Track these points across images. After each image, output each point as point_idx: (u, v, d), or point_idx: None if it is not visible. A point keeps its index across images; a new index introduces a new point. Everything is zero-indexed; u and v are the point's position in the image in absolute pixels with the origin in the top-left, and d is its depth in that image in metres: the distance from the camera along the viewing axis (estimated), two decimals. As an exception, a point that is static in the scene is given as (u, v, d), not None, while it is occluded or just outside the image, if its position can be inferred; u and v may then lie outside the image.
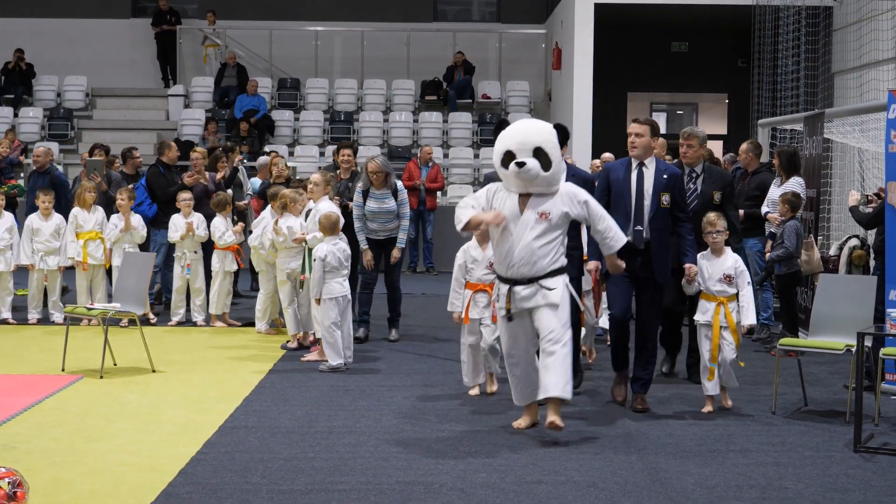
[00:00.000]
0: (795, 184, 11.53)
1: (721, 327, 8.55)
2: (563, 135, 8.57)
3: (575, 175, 8.70)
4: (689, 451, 7.37)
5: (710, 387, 8.59)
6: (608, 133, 20.99)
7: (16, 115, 23.08)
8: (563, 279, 7.62)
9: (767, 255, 11.06)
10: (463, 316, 8.98)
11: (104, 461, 6.90)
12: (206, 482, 6.50)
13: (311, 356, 10.54)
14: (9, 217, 12.83)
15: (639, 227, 8.42)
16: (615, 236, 7.78)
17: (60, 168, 19.29)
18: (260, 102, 22.45)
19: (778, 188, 11.57)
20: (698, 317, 8.68)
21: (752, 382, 9.64)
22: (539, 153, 7.45)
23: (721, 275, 8.55)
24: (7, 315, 12.70)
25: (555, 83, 23.22)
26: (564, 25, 21.41)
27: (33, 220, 12.65)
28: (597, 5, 19.61)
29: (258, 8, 24.71)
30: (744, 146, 12.41)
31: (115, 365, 10.20)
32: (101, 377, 9.66)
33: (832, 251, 12.30)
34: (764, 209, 11.61)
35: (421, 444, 7.44)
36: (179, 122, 22.89)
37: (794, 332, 10.95)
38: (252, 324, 12.41)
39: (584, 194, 7.72)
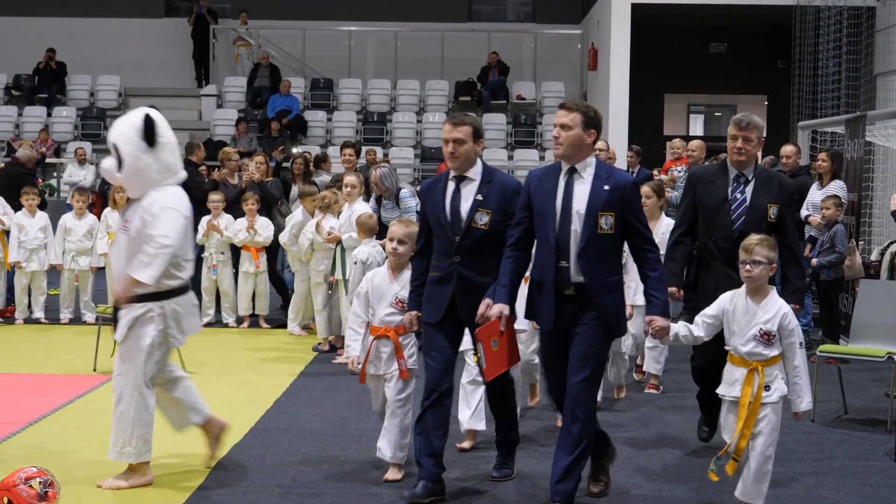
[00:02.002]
0: (837, 187, 11.38)
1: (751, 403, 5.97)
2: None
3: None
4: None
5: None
6: (644, 135, 20.81)
7: (49, 115, 23.14)
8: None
9: (814, 260, 10.85)
10: (360, 364, 6.76)
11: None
12: (237, 484, 6.49)
13: (342, 358, 10.43)
14: (42, 216, 12.82)
15: (563, 263, 5.90)
16: None
17: (93, 167, 19.39)
18: (293, 103, 22.40)
19: (819, 191, 11.42)
20: (723, 390, 6.10)
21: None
22: (114, 150, 6.35)
23: (757, 330, 5.92)
24: (40, 315, 12.72)
25: (590, 84, 23.08)
26: (601, 26, 21.29)
27: (67, 219, 12.66)
28: (634, 5, 19.48)
29: (291, 8, 24.66)
30: (792, 148, 12.25)
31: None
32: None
33: (874, 256, 12.10)
34: (804, 212, 11.47)
35: (453, 447, 7.30)
36: (212, 122, 22.89)
37: (835, 339, 10.78)
38: (285, 325, 12.34)
39: (159, 205, 6.23)
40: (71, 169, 19.45)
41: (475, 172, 6.29)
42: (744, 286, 6.00)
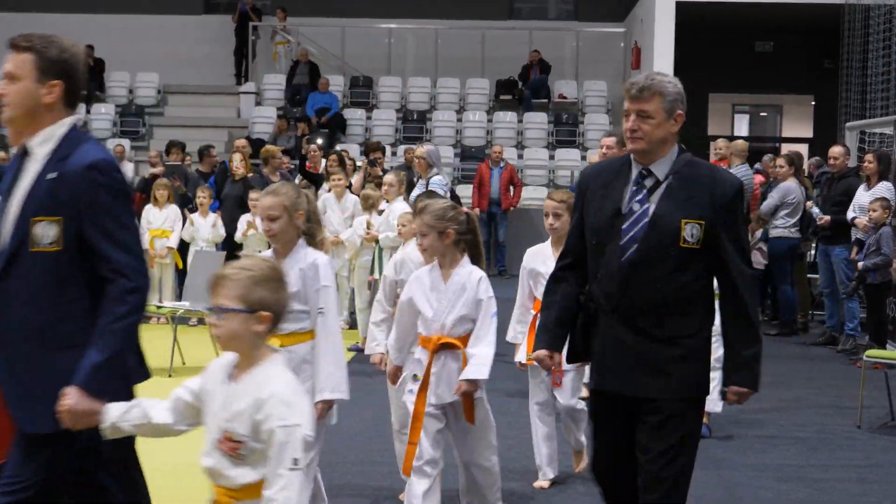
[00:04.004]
0: (885, 189, 11.21)
1: None
2: None
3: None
4: (768, 465, 7.16)
5: None
6: (688, 135, 20.54)
7: (88, 112, 23.17)
8: None
9: (860, 263, 10.66)
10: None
11: (169, 460, 6.73)
12: None
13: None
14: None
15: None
16: None
17: (131, 164, 19.37)
18: (332, 100, 22.31)
19: (866, 192, 11.25)
20: None
21: (836, 395, 9.40)
22: None
23: None
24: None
25: (633, 83, 22.80)
26: (644, 24, 21.09)
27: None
28: (678, 3, 19.29)
29: (330, 5, 24.56)
30: (840, 149, 12.04)
31: (183, 364, 10.23)
32: (170, 376, 9.67)
33: (923, 259, 11.89)
34: (850, 214, 11.31)
35: None
36: (250, 119, 22.84)
37: (882, 344, 10.60)
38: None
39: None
40: (109, 166, 19.39)
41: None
42: None
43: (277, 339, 4.85)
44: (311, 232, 5.38)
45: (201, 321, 11.07)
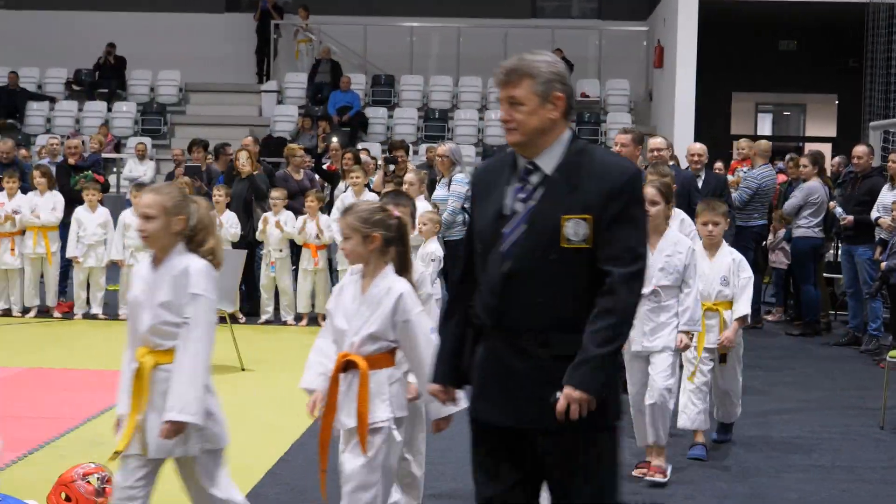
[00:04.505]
0: (909, 189, 11.16)
1: None
2: None
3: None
4: (792, 466, 7.11)
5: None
6: (711, 135, 20.45)
7: (109, 110, 23.22)
8: None
9: (883, 263, 10.57)
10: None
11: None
12: (294, 484, 6.45)
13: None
14: (103, 212, 12.77)
15: None
16: None
17: (152, 163, 19.41)
18: (353, 99, 22.28)
19: (890, 192, 11.19)
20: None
21: (859, 396, 9.30)
22: None
23: None
24: (98, 311, 12.71)
25: (656, 82, 22.78)
26: (667, 22, 21.00)
27: (126, 215, 12.59)
28: (701, 2, 19.15)
29: (353, 3, 24.52)
30: (864, 148, 11.95)
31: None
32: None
33: (948, 259, 11.79)
34: (874, 214, 11.23)
35: None
36: (272, 118, 22.85)
37: (906, 344, 10.49)
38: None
39: None
40: (131, 164, 19.45)
41: None
42: None
43: (152, 355, 4.66)
44: (198, 239, 4.77)
45: (222, 320, 11.04)
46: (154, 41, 24.27)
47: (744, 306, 7.20)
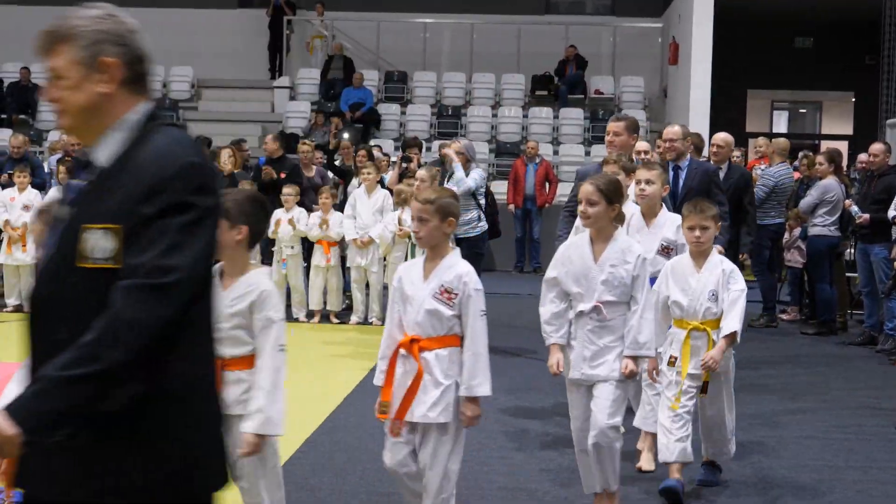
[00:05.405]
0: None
1: None
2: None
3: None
4: (806, 466, 7.01)
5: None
6: (726, 131, 20.36)
7: (123, 105, 23.17)
8: None
9: (897, 262, 10.48)
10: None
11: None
12: (306, 481, 6.40)
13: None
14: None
15: None
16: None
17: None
18: (366, 95, 22.21)
19: (907, 190, 11.09)
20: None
21: (874, 396, 9.20)
22: None
23: None
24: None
25: (671, 79, 22.66)
26: (682, 19, 20.90)
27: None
28: (717, -2, 19.06)
29: (365, -1, 24.50)
30: (881, 146, 11.83)
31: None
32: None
33: (964, 258, 11.68)
34: (891, 213, 11.11)
35: (524, 450, 7.20)
36: (284, 114, 22.79)
37: (925, 344, 10.38)
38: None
39: None
40: (144, 160, 19.41)
41: None
42: None
43: None
44: None
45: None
46: (166, 37, 24.15)
47: (733, 322, 6.03)
